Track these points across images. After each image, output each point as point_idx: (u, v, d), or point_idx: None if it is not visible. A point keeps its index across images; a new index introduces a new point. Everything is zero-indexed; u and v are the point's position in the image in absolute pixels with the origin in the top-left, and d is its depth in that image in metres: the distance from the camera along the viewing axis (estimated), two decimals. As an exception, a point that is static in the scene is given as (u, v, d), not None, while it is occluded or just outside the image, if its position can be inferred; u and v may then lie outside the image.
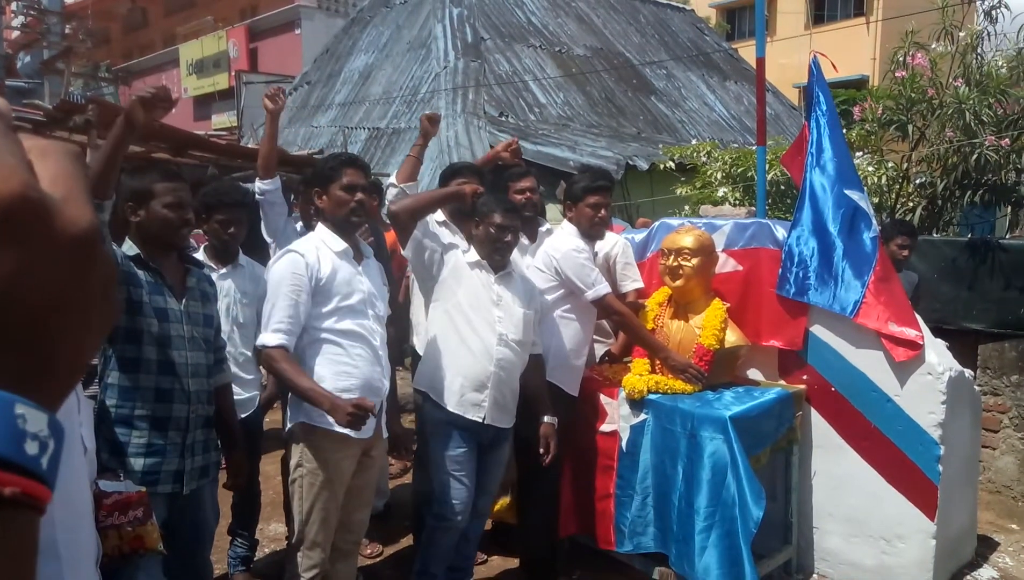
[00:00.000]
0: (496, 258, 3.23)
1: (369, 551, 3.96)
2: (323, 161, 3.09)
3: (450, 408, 3.18)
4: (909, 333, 3.42)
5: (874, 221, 3.66)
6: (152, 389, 2.46)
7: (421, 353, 3.47)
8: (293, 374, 2.71)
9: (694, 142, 10.28)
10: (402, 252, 3.20)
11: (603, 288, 3.50)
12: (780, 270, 3.68)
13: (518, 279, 3.35)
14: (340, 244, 2.87)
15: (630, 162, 9.71)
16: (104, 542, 1.98)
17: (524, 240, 3.80)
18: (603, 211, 3.61)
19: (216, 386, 2.71)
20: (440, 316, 3.27)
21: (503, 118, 10.41)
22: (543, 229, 3.91)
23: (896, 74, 6.63)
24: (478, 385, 3.18)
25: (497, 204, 3.24)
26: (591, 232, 3.62)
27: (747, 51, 14.42)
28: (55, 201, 0.42)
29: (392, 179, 3.56)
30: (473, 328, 3.19)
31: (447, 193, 3.31)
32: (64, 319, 0.42)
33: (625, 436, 3.56)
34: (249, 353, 3.45)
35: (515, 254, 3.48)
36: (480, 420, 3.19)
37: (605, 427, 3.64)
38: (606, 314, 3.63)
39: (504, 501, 3.92)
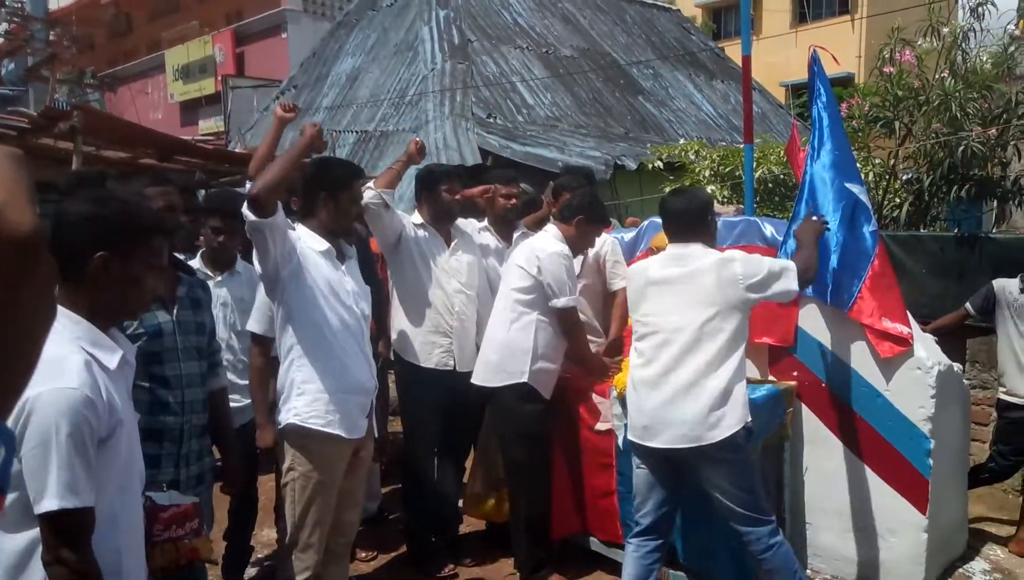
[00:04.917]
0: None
1: (364, 555, 3.95)
2: (328, 166, 3.05)
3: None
4: (901, 329, 3.42)
5: (873, 215, 3.65)
6: (146, 402, 2.42)
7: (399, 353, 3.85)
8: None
9: (682, 141, 10.31)
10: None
11: (572, 300, 3.57)
12: None
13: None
14: (323, 244, 2.86)
15: (618, 162, 9.72)
16: (160, 556, 1.98)
17: (497, 242, 4.06)
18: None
19: (211, 390, 2.69)
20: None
21: (491, 120, 10.41)
22: (517, 233, 4.06)
23: (884, 70, 6.66)
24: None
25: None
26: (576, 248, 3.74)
27: (733, 50, 14.47)
28: None
29: (371, 183, 3.60)
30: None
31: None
32: (7, 323, 0.41)
33: (621, 434, 3.56)
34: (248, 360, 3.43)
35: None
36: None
37: (600, 426, 3.65)
38: (564, 323, 3.61)
39: (490, 503, 3.93)
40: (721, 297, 2.88)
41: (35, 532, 1.56)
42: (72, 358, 1.59)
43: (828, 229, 3.35)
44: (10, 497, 1.55)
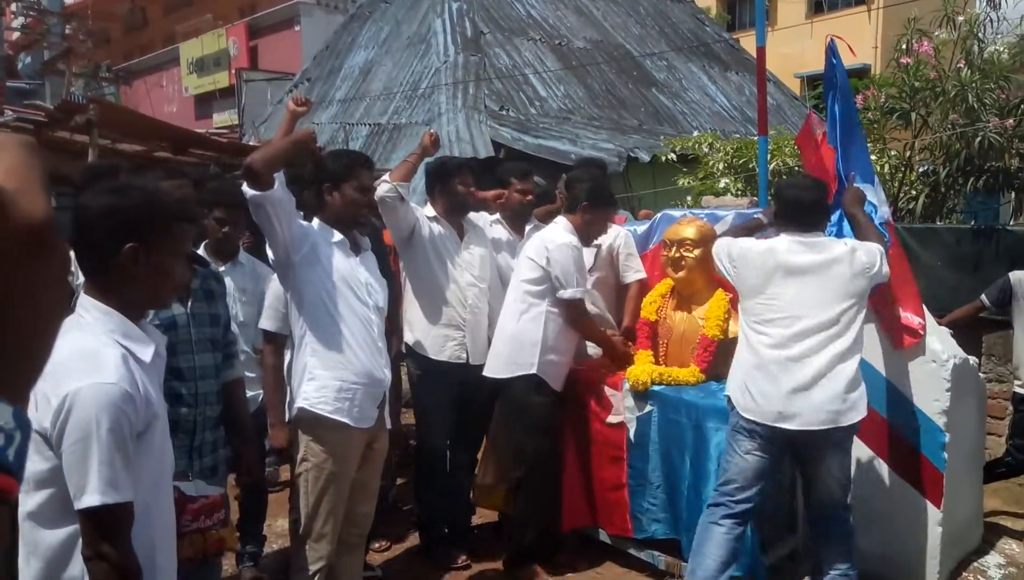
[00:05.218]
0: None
1: (376, 545, 3.98)
2: (331, 158, 3.08)
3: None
4: (915, 320, 3.41)
5: (886, 208, 3.63)
6: None
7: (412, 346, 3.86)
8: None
9: (696, 133, 10.25)
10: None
11: (580, 292, 3.57)
12: None
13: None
14: (336, 235, 2.90)
15: (632, 154, 9.69)
16: (189, 547, 2.00)
17: (509, 235, 4.08)
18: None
19: (226, 381, 2.70)
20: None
21: (503, 112, 10.39)
22: (530, 226, 4.08)
23: (901, 61, 6.59)
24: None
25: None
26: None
27: (748, 41, 14.37)
28: (9, 193, 0.41)
29: (386, 176, 3.61)
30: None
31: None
32: (21, 310, 0.41)
33: (632, 427, 3.57)
34: (251, 351, 3.45)
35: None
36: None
37: (611, 418, 3.65)
38: (571, 314, 3.61)
39: (501, 494, 3.94)
40: (854, 287, 2.98)
41: (73, 527, 1.57)
42: (108, 352, 1.59)
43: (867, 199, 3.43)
44: (47, 492, 1.56)
